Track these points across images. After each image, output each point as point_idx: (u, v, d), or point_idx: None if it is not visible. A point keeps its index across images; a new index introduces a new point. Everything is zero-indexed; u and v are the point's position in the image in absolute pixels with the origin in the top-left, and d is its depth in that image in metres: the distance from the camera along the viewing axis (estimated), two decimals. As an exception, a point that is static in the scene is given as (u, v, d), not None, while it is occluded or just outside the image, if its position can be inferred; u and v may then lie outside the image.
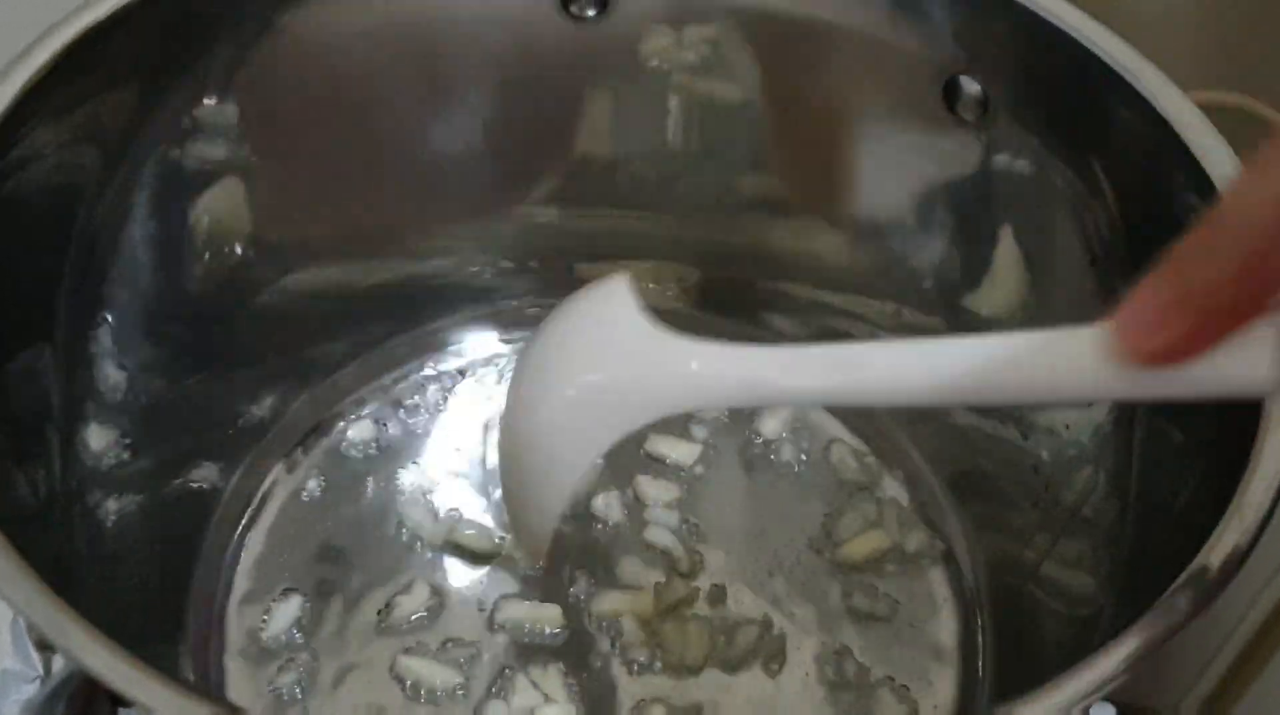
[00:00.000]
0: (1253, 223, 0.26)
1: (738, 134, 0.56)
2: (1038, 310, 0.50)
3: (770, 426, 0.58)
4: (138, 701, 0.31)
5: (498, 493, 0.55)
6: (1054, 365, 0.31)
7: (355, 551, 0.54)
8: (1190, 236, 0.27)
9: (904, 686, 0.51)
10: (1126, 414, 0.45)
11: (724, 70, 0.54)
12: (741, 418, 0.58)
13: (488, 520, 0.55)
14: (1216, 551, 0.34)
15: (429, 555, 0.54)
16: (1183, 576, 0.33)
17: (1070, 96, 0.46)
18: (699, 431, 0.58)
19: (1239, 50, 0.62)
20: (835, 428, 0.58)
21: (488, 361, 0.60)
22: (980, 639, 0.53)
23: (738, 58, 0.54)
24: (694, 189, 0.58)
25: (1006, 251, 0.51)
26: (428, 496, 0.55)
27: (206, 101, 0.48)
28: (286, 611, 0.52)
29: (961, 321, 0.54)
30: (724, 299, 0.61)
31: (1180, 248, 0.27)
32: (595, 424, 0.36)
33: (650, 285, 0.61)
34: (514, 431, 0.37)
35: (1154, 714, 0.60)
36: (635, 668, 0.51)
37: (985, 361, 0.32)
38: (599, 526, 0.55)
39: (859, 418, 0.58)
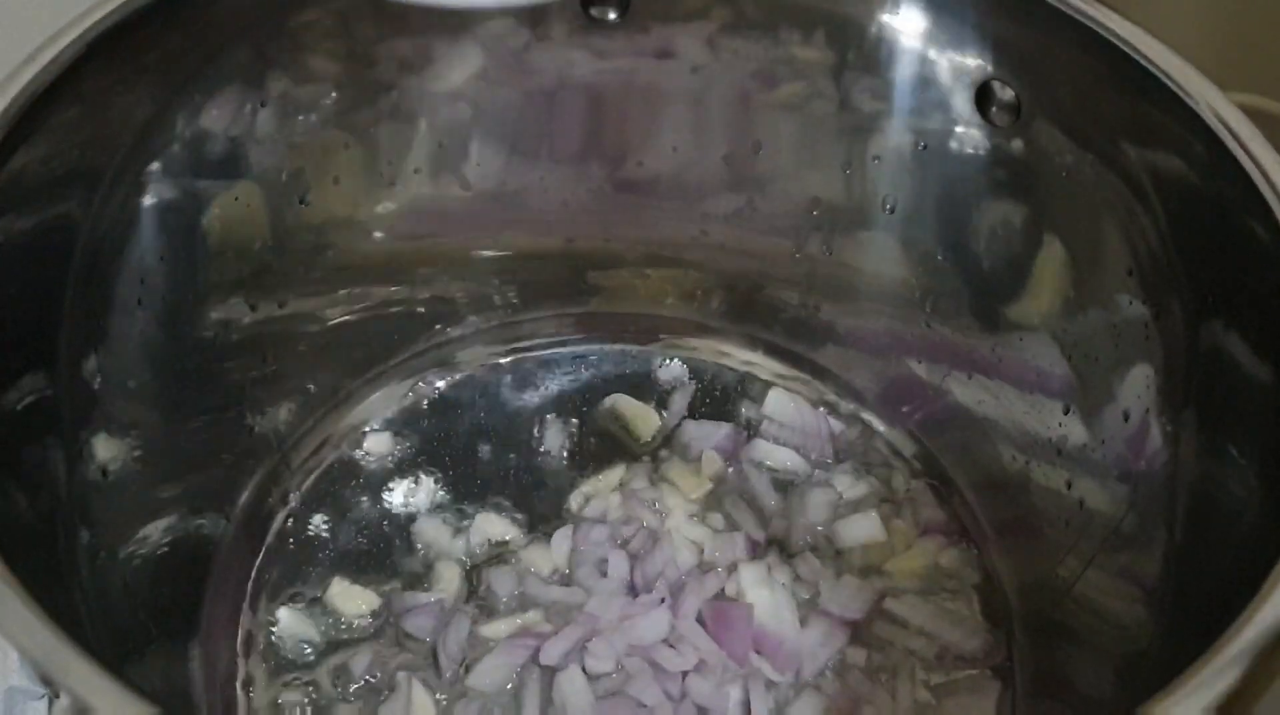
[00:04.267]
0: None
1: (762, 136, 0.55)
2: (1076, 321, 0.49)
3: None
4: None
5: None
6: None
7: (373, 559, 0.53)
8: None
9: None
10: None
11: (746, 72, 0.53)
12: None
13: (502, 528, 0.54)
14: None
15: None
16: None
17: (1107, 101, 0.45)
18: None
19: (1247, 49, 0.60)
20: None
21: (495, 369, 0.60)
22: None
23: (761, 60, 0.52)
24: (715, 193, 0.57)
25: (1046, 261, 0.49)
26: (444, 510, 0.55)
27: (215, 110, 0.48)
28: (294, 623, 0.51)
29: (996, 332, 0.52)
30: (748, 307, 0.60)
31: None
32: None
33: (669, 300, 0.60)
34: None
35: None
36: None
37: None
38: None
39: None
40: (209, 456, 0.52)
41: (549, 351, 0.61)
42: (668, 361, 0.61)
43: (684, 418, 0.59)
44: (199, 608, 0.50)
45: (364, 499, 0.55)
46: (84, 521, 0.43)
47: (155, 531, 0.48)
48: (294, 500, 0.55)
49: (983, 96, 0.49)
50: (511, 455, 0.57)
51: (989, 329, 0.53)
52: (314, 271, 0.55)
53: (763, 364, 0.60)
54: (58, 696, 0.37)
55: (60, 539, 0.41)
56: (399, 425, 0.58)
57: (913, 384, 0.57)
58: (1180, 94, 0.42)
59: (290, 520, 0.54)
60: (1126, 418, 0.46)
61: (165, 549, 0.49)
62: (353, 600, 0.52)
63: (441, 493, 0.55)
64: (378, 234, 0.56)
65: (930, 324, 0.55)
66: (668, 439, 0.58)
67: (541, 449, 0.57)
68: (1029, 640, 0.51)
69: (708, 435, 0.58)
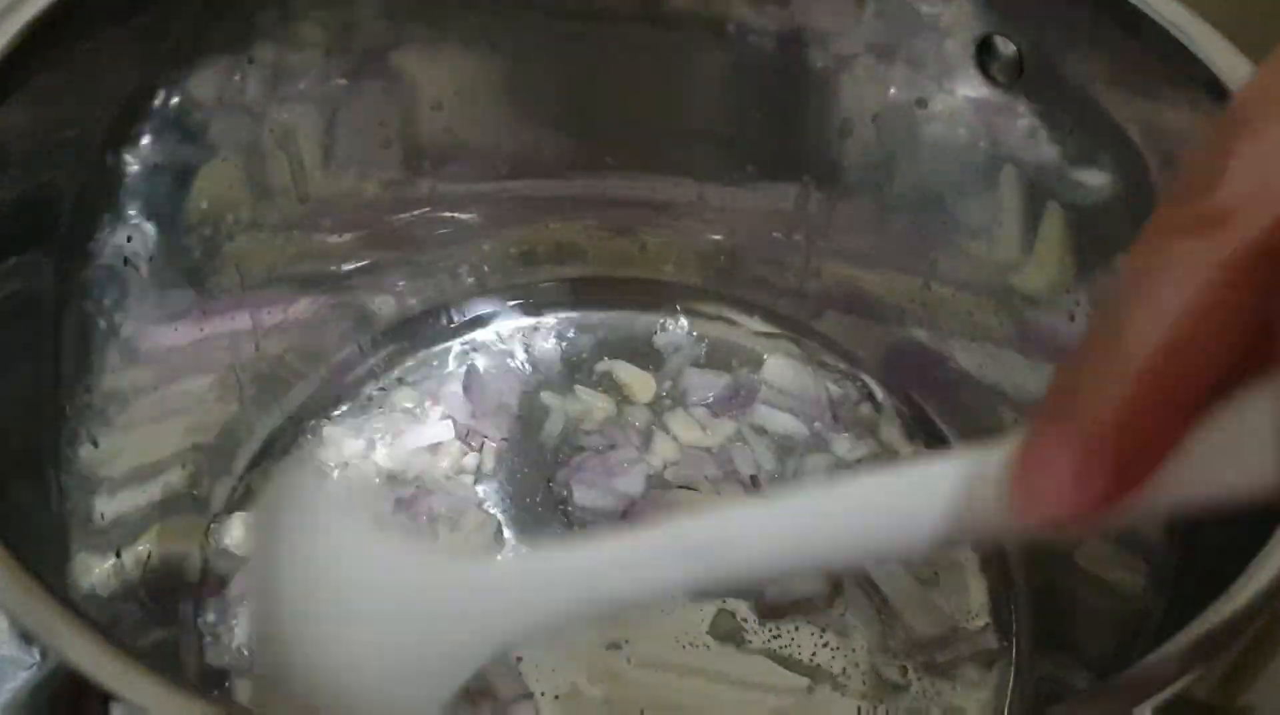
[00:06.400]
0: (1146, 336, 0.22)
1: (759, 96, 0.54)
2: (1080, 282, 0.48)
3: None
4: (125, 699, 0.29)
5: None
6: (965, 508, 0.26)
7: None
8: (1073, 366, 0.23)
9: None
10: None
11: (742, 33, 0.52)
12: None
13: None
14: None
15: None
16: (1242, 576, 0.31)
17: (1112, 57, 0.44)
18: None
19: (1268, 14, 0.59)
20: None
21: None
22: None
23: (757, 19, 0.51)
24: (711, 156, 0.56)
25: (1048, 222, 0.48)
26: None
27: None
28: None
29: (997, 294, 0.52)
30: (746, 272, 0.59)
31: (1063, 385, 0.23)
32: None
33: (667, 267, 0.60)
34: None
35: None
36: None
37: (865, 513, 0.27)
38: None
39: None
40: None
41: (546, 317, 0.60)
42: (665, 327, 0.60)
43: (683, 369, 0.58)
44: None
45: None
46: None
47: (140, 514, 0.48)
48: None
49: (984, 52, 0.48)
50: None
51: (990, 292, 0.52)
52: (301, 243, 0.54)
53: (761, 329, 0.60)
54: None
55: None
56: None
57: (913, 349, 0.56)
58: (1190, 49, 0.41)
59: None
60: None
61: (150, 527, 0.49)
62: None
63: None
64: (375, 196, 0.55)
65: (930, 287, 0.55)
66: (667, 394, 0.58)
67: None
68: (1030, 603, 0.51)
69: (709, 384, 0.57)
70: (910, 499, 0.26)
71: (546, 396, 0.57)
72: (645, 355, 0.59)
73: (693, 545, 0.28)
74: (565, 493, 0.54)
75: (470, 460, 0.55)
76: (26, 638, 0.40)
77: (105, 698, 0.31)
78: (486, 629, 0.29)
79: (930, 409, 0.57)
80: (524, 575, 0.30)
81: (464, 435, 0.55)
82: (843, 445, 0.56)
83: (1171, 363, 0.22)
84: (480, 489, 0.54)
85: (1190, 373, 0.22)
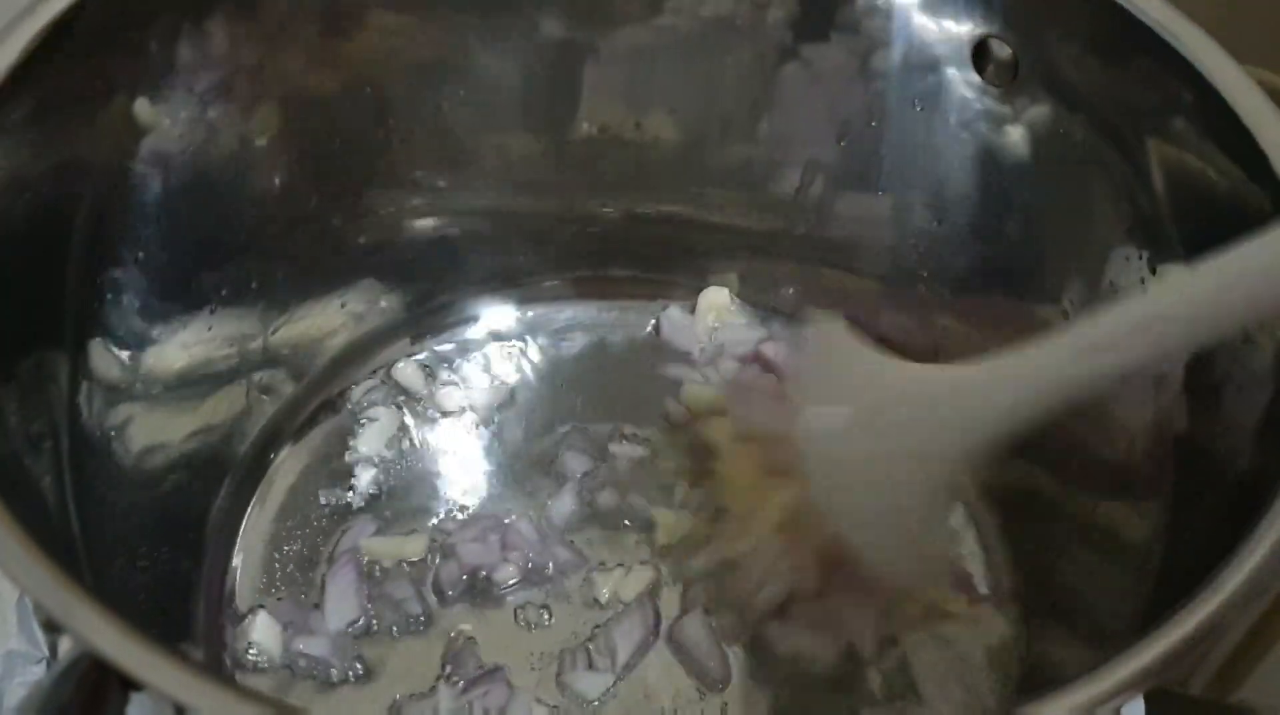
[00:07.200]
0: None
1: (759, 98, 0.55)
2: (1073, 280, 0.49)
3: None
4: (150, 684, 0.30)
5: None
6: None
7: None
8: None
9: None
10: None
11: (742, 34, 0.52)
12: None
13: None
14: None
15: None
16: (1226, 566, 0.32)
17: (1106, 60, 0.45)
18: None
19: (1261, 21, 0.60)
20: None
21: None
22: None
23: (756, 21, 0.52)
24: (712, 155, 0.56)
25: (1043, 221, 0.49)
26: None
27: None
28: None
29: (992, 292, 0.52)
30: (747, 270, 0.60)
31: None
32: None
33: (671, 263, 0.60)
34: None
35: (1164, 689, 0.59)
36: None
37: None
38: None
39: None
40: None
41: (552, 313, 0.60)
42: (670, 321, 0.60)
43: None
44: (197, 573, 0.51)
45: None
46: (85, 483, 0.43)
47: (150, 495, 0.49)
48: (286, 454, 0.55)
49: (979, 56, 0.49)
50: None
51: (985, 289, 0.53)
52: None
53: (763, 324, 0.60)
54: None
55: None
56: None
57: (909, 341, 0.56)
58: (1180, 51, 0.42)
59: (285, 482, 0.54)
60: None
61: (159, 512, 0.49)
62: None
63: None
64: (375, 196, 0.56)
65: (928, 286, 0.55)
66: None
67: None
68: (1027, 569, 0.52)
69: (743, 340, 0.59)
70: None
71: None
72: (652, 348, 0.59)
73: (1142, 320, 0.33)
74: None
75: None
76: (48, 626, 0.41)
77: (126, 686, 0.31)
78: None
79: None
80: (1001, 371, 0.36)
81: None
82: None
83: None
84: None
85: None
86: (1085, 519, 0.48)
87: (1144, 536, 0.43)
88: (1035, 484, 0.51)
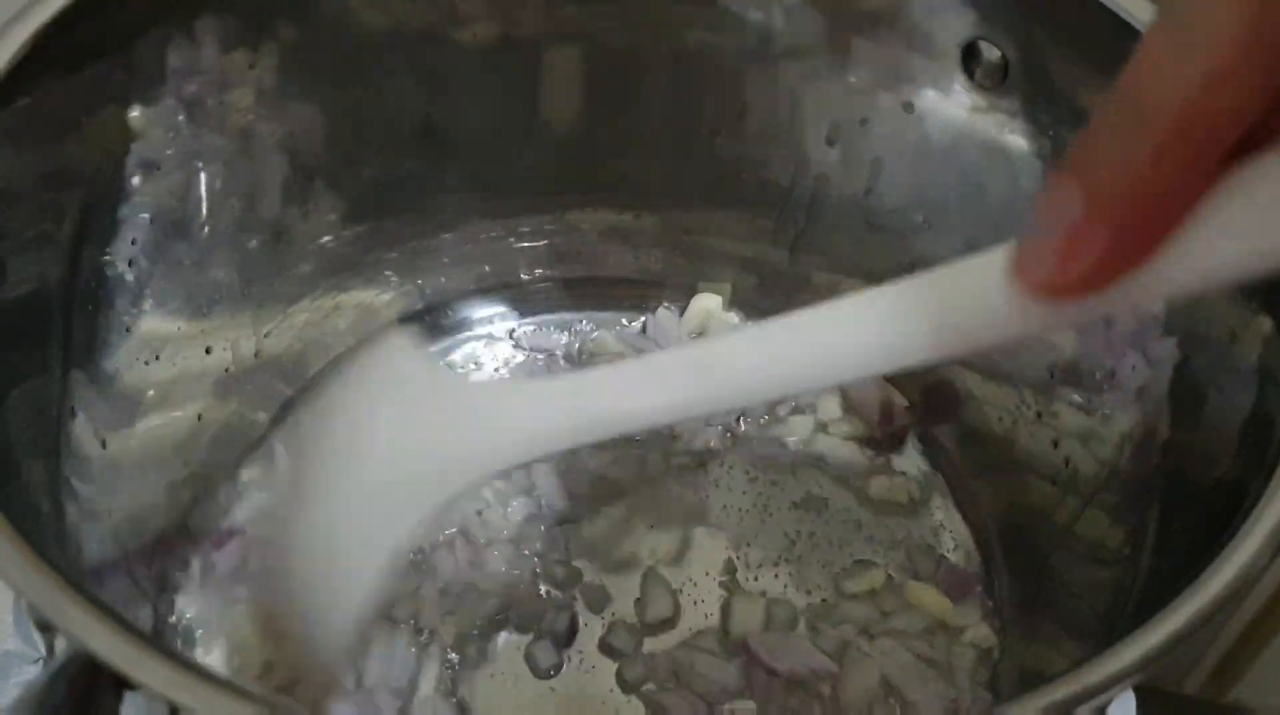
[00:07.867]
0: (1167, 89, 0.22)
1: (748, 99, 0.55)
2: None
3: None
4: (143, 684, 0.30)
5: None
6: (961, 310, 0.26)
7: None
8: (1092, 122, 0.23)
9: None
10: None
11: (731, 36, 0.52)
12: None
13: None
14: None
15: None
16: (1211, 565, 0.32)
17: (1099, 64, 0.45)
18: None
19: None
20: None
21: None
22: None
23: (745, 23, 0.52)
24: (701, 158, 0.57)
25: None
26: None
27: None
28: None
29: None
30: (737, 272, 0.60)
31: (1081, 140, 0.23)
32: (406, 500, 0.30)
33: (658, 266, 0.60)
34: (307, 529, 0.31)
35: (1158, 689, 0.59)
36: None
37: (871, 326, 0.27)
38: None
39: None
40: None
41: (541, 318, 0.61)
42: (657, 323, 0.60)
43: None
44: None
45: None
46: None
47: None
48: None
49: (969, 57, 0.49)
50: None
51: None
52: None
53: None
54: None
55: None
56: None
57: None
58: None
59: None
60: (1114, 376, 0.46)
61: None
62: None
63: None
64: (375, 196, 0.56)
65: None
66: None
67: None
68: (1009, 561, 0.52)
69: None
70: (915, 302, 0.27)
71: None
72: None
73: (696, 362, 0.28)
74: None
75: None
76: (42, 626, 0.41)
77: (119, 686, 0.31)
78: (490, 445, 0.29)
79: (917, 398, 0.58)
80: (529, 395, 0.30)
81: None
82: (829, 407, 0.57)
83: (1186, 124, 0.22)
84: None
85: (1205, 135, 0.22)
86: (1071, 523, 0.48)
87: (1129, 540, 0.43)
88: (1022, 489, 0.51)
